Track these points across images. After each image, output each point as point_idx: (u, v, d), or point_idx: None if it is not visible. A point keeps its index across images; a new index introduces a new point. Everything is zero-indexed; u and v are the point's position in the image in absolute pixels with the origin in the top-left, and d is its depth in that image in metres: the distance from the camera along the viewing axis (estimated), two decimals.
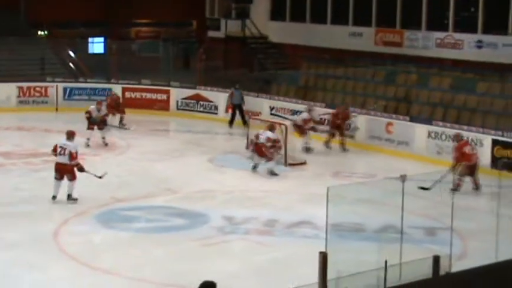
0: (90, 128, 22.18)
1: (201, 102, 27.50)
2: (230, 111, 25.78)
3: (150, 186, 17.89)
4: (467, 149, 17.80)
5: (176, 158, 21.17)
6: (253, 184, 18.44)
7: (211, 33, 34.81)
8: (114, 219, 15.33)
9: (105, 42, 37.69)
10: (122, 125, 24.75)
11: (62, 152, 16.32)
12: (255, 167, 19.16)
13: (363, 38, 29.23)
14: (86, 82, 29.42)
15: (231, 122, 25.66)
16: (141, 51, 35.93)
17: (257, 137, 19.19)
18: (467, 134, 19.88)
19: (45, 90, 28.56)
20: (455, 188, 16.89)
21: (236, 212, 15.71)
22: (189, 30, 40.65)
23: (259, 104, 25.85)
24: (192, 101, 27.65)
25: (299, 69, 29.27)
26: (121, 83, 29.07)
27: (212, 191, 17.61)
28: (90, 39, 38.20)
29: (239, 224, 15.07)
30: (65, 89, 28.62)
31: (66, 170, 16.28)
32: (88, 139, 21.93)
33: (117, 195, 16.96)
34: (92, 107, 22.74)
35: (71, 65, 32.52)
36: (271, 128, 19.56)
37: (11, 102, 28.09)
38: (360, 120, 22.96)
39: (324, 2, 30.90)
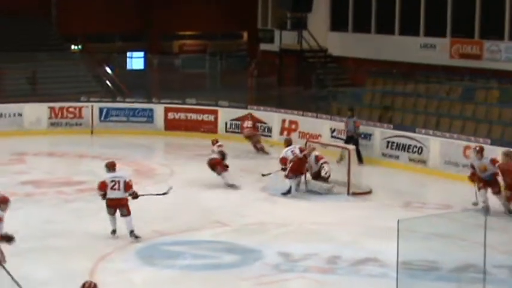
0: None
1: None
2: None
3: (196, 218, 17.97)
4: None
5: (225, 187, 21.22)
6: (312, 216, 18.41)
7: (264, 46, 34.97)
8: (157, 256, 15.41)
9: (145, 56, 38.14)
10: None
11: (116, 187, 16.35)
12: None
13: (436, 50, 29.08)
14: (124, 102, 29.75)
15: (359, 159, 22.66)
16: (186, 66, 36.26)
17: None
18: None
19: (79, 111, 28.96)
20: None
21: (293, 248, 15.68)
22: (239, 43, 40.95)
23: (318, 125, 25.86)
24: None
25: (363, 86, 29.24)
26: (163, 103, 29.33)
27: (266, 223, 17.62)
28: (128, 54, 38.70)
29: (297, 260, 15.05)
30: (101, 110, 28.99)
31: (120, 205, 16.34)
32: None
33: (160, 228, 17.07)
34: None
35: (107, 82, 32.96)
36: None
37: (41, 124, 28.55)
38: (434, 144, 22.84)
39: (392, 10, 30.79)
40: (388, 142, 23.88)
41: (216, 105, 28.68)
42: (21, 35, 33.54)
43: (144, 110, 28.85)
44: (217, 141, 21.77)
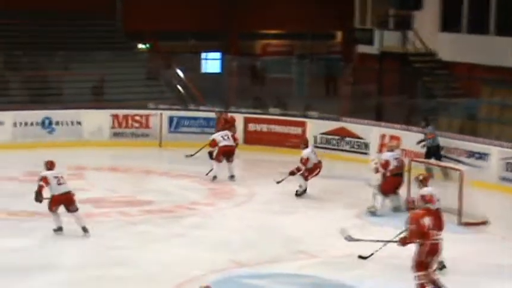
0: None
1: (347, 139, 27.60)
2: None
3: (279, 247, 18.01)
4: None
5: (313, 211, 21.25)
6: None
7: (361, 48, 34.98)
8: None
9: (222, 58, 38.38)
10: None
11: (62, 181, 18.32)
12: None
13: None
14: (197, 110, 29.99)
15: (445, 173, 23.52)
16: (269, 70, 36.42)
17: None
18: None
19: (146, 120, 29.30)
20: None
21: (394, 285, 15.63)
22: (332, 44, 41.00)
23: None
24: (335, 137, 27.80)
25: (478, 97, 29.01)
26: (242, 112, 29.48)
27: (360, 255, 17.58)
28: (203, 55, 38.99)
29: None
30: (170, 119, 29.33)
31: (68, 200, 18.38)
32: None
33: (238, 258, 17.16)
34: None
35: (178, 87, 33.25)
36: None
37: (103, 134, 28.97)
38: None
39: None
40: (508, 164, 23.63)
41: (304, 116, 28.72)
42: (82, 33, 34.10)
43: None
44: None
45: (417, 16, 31.69)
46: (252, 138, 28.76)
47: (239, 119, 28.90)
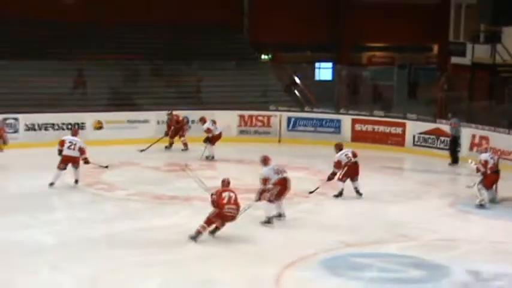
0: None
1: (442, 138, 27.21)
2: None
3: (382, 231, 17.81)
4: None
5: (411, 200, 20.99)
6: (504, 235, 17.91)
7: (455, 60, 34.51)
8: (343, 266, 15.34)
9: (333, 67, 38.25)
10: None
11: (72, 147, 21.13)
12: None
13: None
14: (311, 112, 29.91)
15: (453, 160, 25.98)
16: (374, 78, 36.13)
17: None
18: None
19: (268, 120, 29.34)
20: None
21: (484, 267, 15.26)
22: (429, 56, 40.51)
23: (510, 142, 25.20)
24: (431, 136, 27.46)
25: None
26: (350, 114, 29.36)
27: (455, 240, 17.27)
28: (317, 64, 38.92)
29: (487, 280, 14.64)
30: (289, 119, 29.31)
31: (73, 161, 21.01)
32: None
33: (346, 239, 17.03)
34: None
35: (296, 92, 33.23)
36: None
37: (231, 131, 29.10)
38: None
39: None
40: None
41: (404, 117, 28.40)
42: (214, 45, 34.33)
43: (331, 120, 28.98)
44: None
45: (505, 31, 31.06)
46: (358, 137, 28.60)
47: (348, 120, 28.81)
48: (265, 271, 14.80)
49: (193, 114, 28.69)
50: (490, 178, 20.23)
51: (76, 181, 21.48)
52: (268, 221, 17.77)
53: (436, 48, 40.02)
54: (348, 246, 16.60)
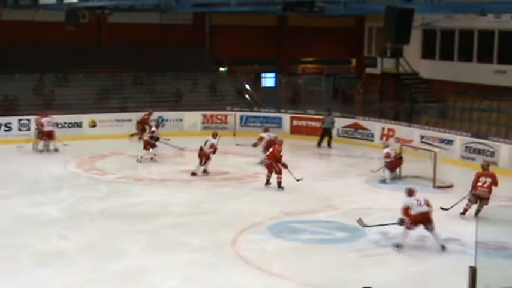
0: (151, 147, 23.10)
1: (359, 130, 27.41)
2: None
3: (314, 203, 17.96)
4: (480, 181, 16.47)
5: (336, 179, 21.15)
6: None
7: (369, 70, 34.71)
8: (284, 231, 15.48)
9: (276, 77, 38.29)
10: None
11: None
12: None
13: (507, 75, 28.21)
14: (259, 111, 29.94)
15: (318, 144, 26.40)
16: (307, 85, 36.23)
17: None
18: None
19: (225, 118, 29.33)
20: (463, 212, 16.44)
21: (390, 227, 15.46)
22: (349, 67, 40.68)
23: (410, 132, 25.47)
24: (351, 129, 27.61)
25: (447, 103, 28.65)
26: (289, 113, 29.43)
27: (369, 208, 17.47)
28: (263, 75, 38.93)
29: (393, 238, 14.84)
30: (241, 117, 29.28)
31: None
32: None
33: (286, 209, 17.15)
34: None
35: (247, 96, 33.23)
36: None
37: (197, 127, 29.06)
38: (504, 149, 22.21)
39: (471, 42, 30.10)
40: (467, 147, 23.35)
41: (323, 115, 28.51)
42: (184, 60, 34.19)
43: (274, 118, 28.99)
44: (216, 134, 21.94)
45: (406, 48, 31.35)
46: (296, 130, 28.69)
47: (287, 117, 28.91)
48: (225, 235, 14.89)
49: (167, 115, 28.65)
50: (394, 163, 20.47)
51: (56, 149, 23.28)
52: (399, 246, 14.28)
53: (354, 61, 40.19)
54: (287, 215, 16.72)
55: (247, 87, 33.89)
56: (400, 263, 13.61)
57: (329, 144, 26.46)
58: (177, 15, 34.82)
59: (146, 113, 27.33)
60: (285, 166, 19.69)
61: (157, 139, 23.13)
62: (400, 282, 12.57)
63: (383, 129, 26.66)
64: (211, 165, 21.24)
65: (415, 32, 31.03)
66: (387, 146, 21.19)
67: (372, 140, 26.80)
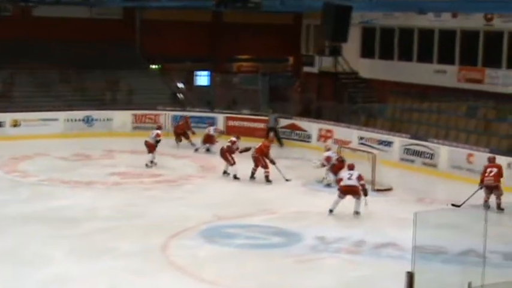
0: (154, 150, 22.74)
1: (296, 131, 27.58)
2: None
3: (250, 207, 17.99)
4: (487, 172, 17.93)
5: (273, 181, 21.19)
6: (343, 207, 18.32)
7: (306, 69, 34.95)
8: (217, 235, 15.46)
9: (209, 75, 38.21)
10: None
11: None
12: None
13: (447, 75, 28.82)
14: (192, 111, 29.83)
15: (281, 144, 26.92)
16: (242, 84, 36.27)
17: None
18: None
19: (157, 118, 29.15)
20: (485, 203, 17.59)
21: (328, 232, 15.64)
22: (286, 66, 40.87)
23: (349, 133, 25.75)
24: (288, 130, 27.77)
25: (386, 103, 29.05)
26: (224, 112, 29.42)
27: (306, 212, 17.60)
28: (196, 73, 38.79)
29: (330, 243, 15.01)
30: (174, 117, 29.14)
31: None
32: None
33: (220, 213, 17.12)
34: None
35: (179, 95, 33.08)
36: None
37: (127, 127, 28.80)
38: (443, 151, 22.66)
39: (411, 41, 30.63)
40: (406, 149, 23.72)
41: (267, 115, 28.65)
42: (113, 57, 33.80)
43: (208, 118, 28.90)
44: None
45: (345, 47, 31.65)
46: (231, 131, 28.54)
47: (221, 117, 28.90)
48: (155, 240, 14.78)
49: (96, 114, 28.33)
50: (336, 166, 20.59)
51: None
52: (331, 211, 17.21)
53: (291, 59, 40.41)
54: (221, 219, 16.71)
55: (180, 85, 33.72)
56: (337, 269, 13.73)
57: (280, 143, 26.82)
58: (106, 10, 34.44)
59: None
60: (273, 162, 20.58)
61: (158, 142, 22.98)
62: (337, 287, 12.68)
63: (320, 130, 26.88)
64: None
65: (353, 30, 31.56)
66: (328, 150, 21.29)
67: (309, 142, 26.99)
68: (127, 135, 27.88)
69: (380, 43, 32.25)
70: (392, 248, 14.73)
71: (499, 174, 17.97)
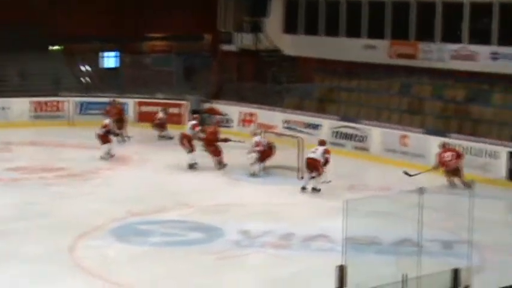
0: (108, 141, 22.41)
1: (217, 116, 27.54)
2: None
3: (166, 200, 17.93)
4: (445, 157, 19.38)
5: (192, 172, 21.19)
6: (268, 197, 18.48)
7: (224, 47, 34.87)
8: (130, 234, 15.38)
9: (118, 56, 37.83)
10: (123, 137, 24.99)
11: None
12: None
13: (377, 51, 29.18)
14: (99, 96, 29.52)
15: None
16: (155, 65, 36.03)
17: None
18: (483, 147, 20.11)
19: (59, 105, 28.74)
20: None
21: (252, 226, 15.72)
22: (202, 44, 40.76)
23: (273, 117, 25.92)
24: (206, 115, 27.72)
25: (313, 82, 29.30)
26: (135, 97, 29.23)
27: (228, 204, 17.66)
28: (103, 54, 38.35)
29: (255, 237, 15.10)
30: (79, 104, 28.78)
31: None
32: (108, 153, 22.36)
33: (133, 209, 17.02)
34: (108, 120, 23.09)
35: (84, 79, 32.66)
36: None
37: (24, 117, 28.29)
38: (375, 133, 23.00)
39: (337, 14, 30.86)
40: (335, 132, 24.01)
41: (182, 99, 28.57)
42: (8, 37, 33.10)
43: (118, 103, 28.56)
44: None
45: (266, 22, 31.74)
46: (143, 118, 28.45)
47: (131, 103, 28.69)
48: (60, 242, 14.62)
49: None
50: (265, 153, 20.65)
51: None
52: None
53: (208, 37, 40.31)
54: (134, 216, 16.62)
55: (84, 68, 33.30)
56: (262, 266, 13.82)
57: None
58: None
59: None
60: (226, 140, 21.38)
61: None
62: (262, 286, 12.76)
63: (242, 113, 26.95)
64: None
65: (275, 3, 31.80)
66: (255, 135, 21.31)
67: (230, 127, 27.01)
68: (26, 126, 27.39)
69: (305, 17, 32.39)
70: (322, 240, 14.91)
71: (458, 156, 19.56)
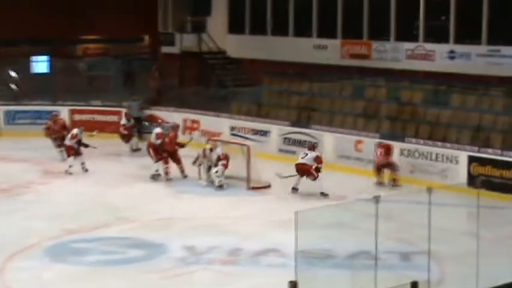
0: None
1: (156, 123, 27.46)
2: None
3: (104, 216, 17.89)
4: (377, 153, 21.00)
5: (131, 184, 21.14)
6: (215, 210, 18.51)
7: (166, 49, 34.81)
8: (65, 253, 15.29)
9: (49, 61, 37.52)
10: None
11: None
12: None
13: (328, 51, 29.39)
14: (29, 105, 29.27)
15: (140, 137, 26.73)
16: (90, 70, 35.83)
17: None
18: (442, 151, 20.38)
19: None
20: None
21: (198, 241, 15.74)
22: (141, 46, 40.64)
23: (219, 124, 25.96)
24: (146, 123, 27.65)
25: (260, 86, 29.37)
26: (68, 105, 29.04)
27: (171, 218, 17.66)
28: (33, 58, 38.00)
29: (201, 253, 15.12)
30: (8, 113, 28.50)
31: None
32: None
33: (68, 226, 16.92)
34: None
35: (12, 86, 32.34)
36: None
37: None
38: (328, 139, 23.16)
39: (286, 13, 30.98)
40: (285, 138, 24.14)
41: (120, 106, 28.47)
42: None
43: (49, 112, 28.30)
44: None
45: (209, 21, 31.76)
46: (78, 126, 28.19)
47: (65, 110, 28.48)
48: None
49: None
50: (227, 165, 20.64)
51: None
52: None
53: (147, 38, 40.21)
54: (70, 233, 16.52)
55: (13, 74, 32.98)
56: (209, 284, 13.86)
57: (140, 136, 26.59)
58: None
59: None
60: (182, 146, 21.75)
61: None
62: None
63: (185, 120, 26.94)
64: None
65: (219, 2, 31.84)
66: (216, 147, 21.22)
67: None
68: None
69: (250, 16, 32.49)
70: (273, 254, 14.99)
71: (387, 151, 20.87)
